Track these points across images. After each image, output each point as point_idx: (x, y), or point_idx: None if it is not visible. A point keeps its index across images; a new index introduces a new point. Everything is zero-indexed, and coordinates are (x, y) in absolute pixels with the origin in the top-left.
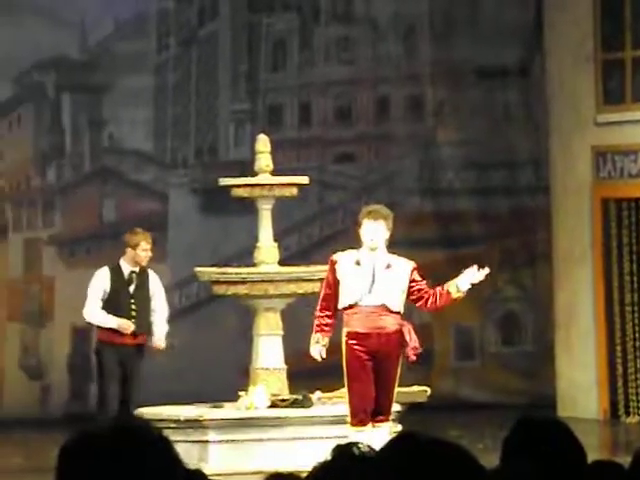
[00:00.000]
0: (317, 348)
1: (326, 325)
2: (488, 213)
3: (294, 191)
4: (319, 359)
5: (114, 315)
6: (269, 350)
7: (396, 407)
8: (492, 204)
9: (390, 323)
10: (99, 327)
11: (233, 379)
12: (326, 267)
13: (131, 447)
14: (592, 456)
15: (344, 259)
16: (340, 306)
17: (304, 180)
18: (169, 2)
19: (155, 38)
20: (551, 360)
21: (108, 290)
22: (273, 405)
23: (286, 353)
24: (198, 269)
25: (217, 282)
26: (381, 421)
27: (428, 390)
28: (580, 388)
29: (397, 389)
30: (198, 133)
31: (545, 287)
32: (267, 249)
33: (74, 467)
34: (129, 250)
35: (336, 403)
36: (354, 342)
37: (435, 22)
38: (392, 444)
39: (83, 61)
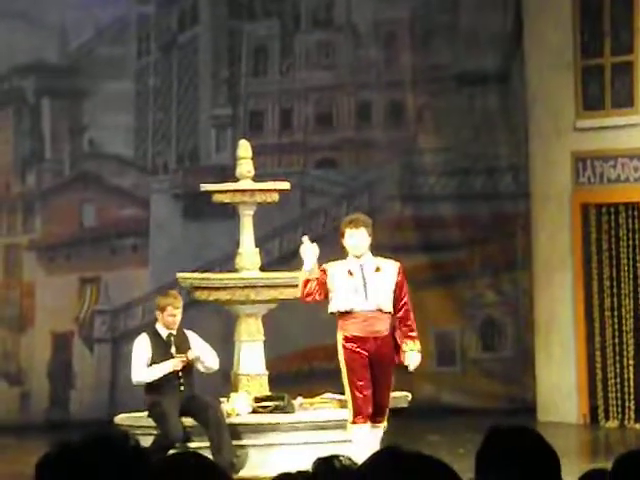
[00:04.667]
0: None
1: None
2: (468, 219)
3: (275, 197)
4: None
5: (159, 382)
6: (250, 356)
7: None
8: (472, 210)
9: (384, 327)
10: (148, 392)
11: (215, 385)
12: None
13: (107, 458)
14: (571, 461)
15: (335, 268)
16: (333, 309)
17: (285, 186)
18: (149, 7)
19: (135, 43)
20: (531, 365)
21: (150, 356)
22: (255, 411)
23: (267, 359)
24: (180, 275)
25: (199, 288)
26: (379, 422)
27: (409, 395)
28: (560, 393)
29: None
30: (179, 138)
31: (525, 292)
32: (248, 255)
33: (52, 479)
34: (158, 313)
35: (318, 409)
36: (353, 344)
37: (415, 28)
38: (374, 458)
39: (63, 66)
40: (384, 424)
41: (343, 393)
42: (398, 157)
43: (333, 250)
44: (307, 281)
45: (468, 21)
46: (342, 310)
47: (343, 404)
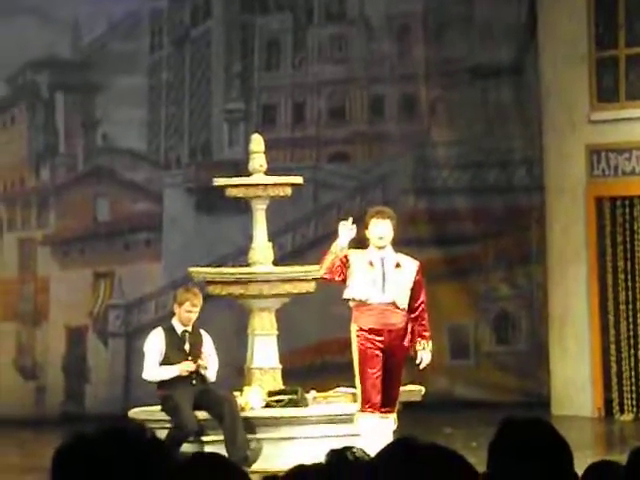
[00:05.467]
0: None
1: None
2: (482, 212)
3: (288, 191)
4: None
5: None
6: (264, 350)
7: None
8: (486, 203)
9: (399, 320)
10: (160, 387)
11: (228, 379)
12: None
13: (124, 450)
14: (586, 454)
15: (357, 256)
16: (349, 296)
17: (298, 180)
18: (162, 1)
19: (148, 38)
20: (545, 358)
21: (164, 351)
22: (268, 405)
23: (281, 352)
24: (193, 269)
25: (212, 282)
26: (388, 412)
27: (423, 389)
28: (574, 386)
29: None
30: (192, 133)
31: (539, 286)
32: (261, 249)
33: (68, 470)
34: (175, 307)
35: (331, 402)
36: (368, 334)
37: (429, 21)
38: (387, 449)
39: (76, 61)
40: (393, 415)
41: (355, 386)
42: (411, 150)
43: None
44: (335, 258)
45: (482, 13)
46: (357, 299)
47: (355, 398)
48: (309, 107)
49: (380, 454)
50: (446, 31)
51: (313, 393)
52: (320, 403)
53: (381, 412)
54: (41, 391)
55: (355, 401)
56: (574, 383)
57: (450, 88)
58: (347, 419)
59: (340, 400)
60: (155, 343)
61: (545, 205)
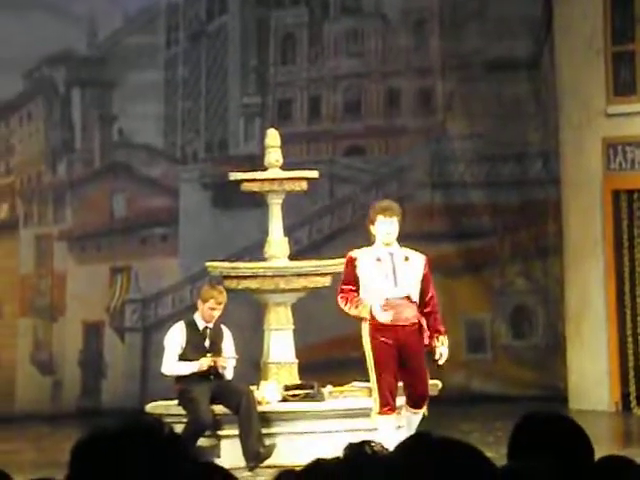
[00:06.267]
0: (380, 310)
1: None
2: (499, 206)
3: (304, 185)
4: (390, 317)
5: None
6: (280, 344)
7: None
8: (503, 197)
9: (412, 314)
10: (178, 381)
11: (244, 373)
12: (337, 261)
13: (142, 444)
14: (604, 448)
15: (363, 256)
16: (368, 302)
17: (314, 174)
18: None
19: (164, 33)
20: (562, 352)
21: (184, 345)
22: (285, 399)
23: (297, 347)
24: (209, 264)
25: (228, 277)
26: (419, 408)
27: (439, 384)
28: (591, 380)
29: None
30: (208, 128)
31: (556, 280)
32: (278, 243)
33: (86, 465)
34: (199, 302)
35: (347, 397)
36: (380, 334)
37: (445, 15)
38: (405, 444)
39: (92, 56)
40: (423, 410)
41: (370, 381)
42: (427, 144)
43: (363, 238)
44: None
45: (498, 7)
46: (376, 301)
47: (371, 392)
48: (325, 101)
49: (397, 449)
50: (462, 24)
51: (329, 387)
52: (336, 397)
53: (413, 409)
54: (58, 386)
55: (371, 395)
56: (591, 377)
57: (466, 82)
58: (363, 413)
59: (356, 394)
60: (175, 337)
61: (562, 199)
